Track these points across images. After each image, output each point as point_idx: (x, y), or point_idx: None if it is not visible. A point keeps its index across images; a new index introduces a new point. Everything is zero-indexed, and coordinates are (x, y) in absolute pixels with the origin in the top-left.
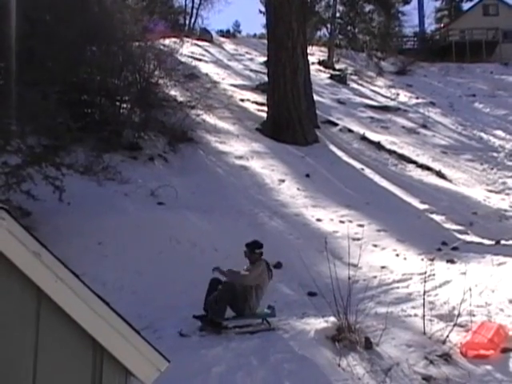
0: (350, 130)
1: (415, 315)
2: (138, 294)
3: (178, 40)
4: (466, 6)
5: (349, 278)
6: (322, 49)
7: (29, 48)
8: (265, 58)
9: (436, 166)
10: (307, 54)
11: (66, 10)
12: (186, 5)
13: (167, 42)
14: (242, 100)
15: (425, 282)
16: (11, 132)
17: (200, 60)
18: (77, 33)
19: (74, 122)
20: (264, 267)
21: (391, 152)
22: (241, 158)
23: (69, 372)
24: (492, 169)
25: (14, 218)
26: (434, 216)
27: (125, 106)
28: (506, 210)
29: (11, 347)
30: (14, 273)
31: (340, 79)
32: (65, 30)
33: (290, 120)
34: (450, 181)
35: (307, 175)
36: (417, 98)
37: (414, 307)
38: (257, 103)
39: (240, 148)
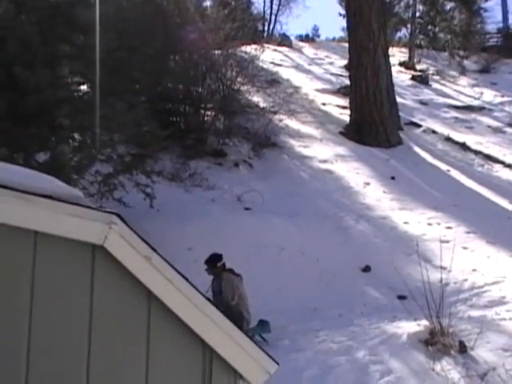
0: (433, 131)
1: (510, 319)
2: None
3: (258, 46)
4: None
5: (440, 281)
6: (403, 50)
7: (116, 60)
8: (345, 62)
9: None
10: (388, 56)
11: (150, 22)
12: (264, 11)
13: (248, 49)
14: (324, 104)
15: None
16: (102, 142)
17: (280, 65)
18: (160, 43)
19: (161, 130)
20: (230, 277)
21: (477, 152)
22: (325, 161)
23: (179, 372)
24: None
25: (126, 223)
26: None
27: (209, 113)
28: None
29: (123, 349)
30: (125, 276)
31: (422, 80)
32: (149, 41)
33: (373, 123)
34: None
35: (392, 178)
36: (502, 96)
37: (508, 310)
38: (339, 107)
39: (324, 152)
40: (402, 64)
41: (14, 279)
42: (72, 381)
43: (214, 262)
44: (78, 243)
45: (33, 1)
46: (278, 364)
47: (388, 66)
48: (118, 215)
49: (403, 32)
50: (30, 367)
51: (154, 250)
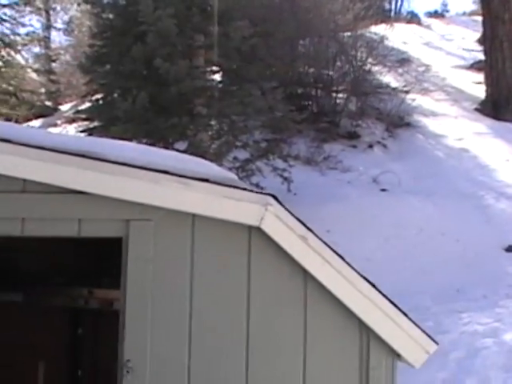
0: None
1: None
2: None
3: (387, 26)
4: None
5: None
6: None
7: (251, 47)
8: (477, 36)
9: None
10: None
11: (279, 7)
12: None
13: (377, 28)
14: (457, 80)
15: None
16: (238, 128)
17: (410, 44)
18: (291, 28)
19: (295, 114)
20: None
21: None
22: (460, 139)
23: (336, 351)
24: None
25: (281, 204)
26: None
27: (340, 95)
28: None
29: (281, 327)
30: (282, 256)
31: None
32: (279, 26)
33: (511, 97)
34: None
35: None
36: None
37: None
38: (473, 82)
39: (459, 130)
40: None
41: (174, 262)
42: (232, 357)
43: None
44: (234, 225)
45: None
46: (437, 344)
47: None
48: (274, 196)
49: None
50: (192, 344)
51: (310, 229)
